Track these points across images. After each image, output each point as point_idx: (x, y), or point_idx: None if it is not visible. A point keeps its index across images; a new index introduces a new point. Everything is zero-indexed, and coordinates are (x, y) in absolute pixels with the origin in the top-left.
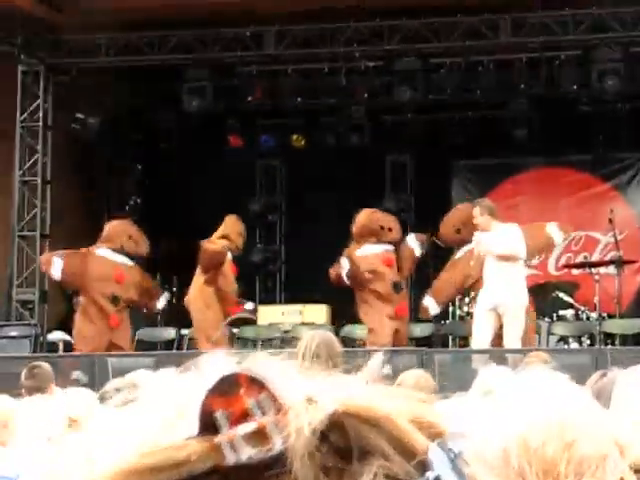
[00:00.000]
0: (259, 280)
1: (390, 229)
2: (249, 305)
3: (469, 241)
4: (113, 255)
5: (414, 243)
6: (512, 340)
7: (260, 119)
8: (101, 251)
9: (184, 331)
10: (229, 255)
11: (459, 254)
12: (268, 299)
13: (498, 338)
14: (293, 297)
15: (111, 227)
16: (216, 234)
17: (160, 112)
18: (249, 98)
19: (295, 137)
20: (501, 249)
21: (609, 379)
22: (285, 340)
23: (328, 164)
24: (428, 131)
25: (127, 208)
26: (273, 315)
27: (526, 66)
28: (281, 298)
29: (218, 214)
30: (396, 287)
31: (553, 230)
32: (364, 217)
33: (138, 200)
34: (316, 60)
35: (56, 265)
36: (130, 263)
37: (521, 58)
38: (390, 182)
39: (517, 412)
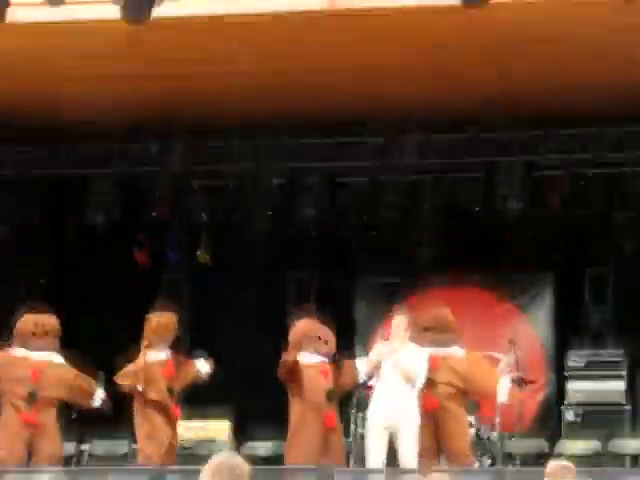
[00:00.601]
0: None
1: (326, 342)
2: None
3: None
4: (26, 352)
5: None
6: (408, 459)
7: (165, 234)
8: (16, 351)
9: (84, 446)
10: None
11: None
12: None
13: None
14: (195, 413)
15: (18, 325)
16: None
17: (63, 225)
18: (153, 213)
19: (200, 252)
20: (405, 366)
21: None
22: (186, 457)
23: (233, 279)
24: (332, 248)
25: None
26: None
27: (431, 186)
28: (183, 413)
29: (120, 327)
30: (329, 395)
31: (503, 388)
32: (303, 325)
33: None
34: (222, 177)
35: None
36: (55, 359)
37: (424, 179)
38: (292, 298)
39: None
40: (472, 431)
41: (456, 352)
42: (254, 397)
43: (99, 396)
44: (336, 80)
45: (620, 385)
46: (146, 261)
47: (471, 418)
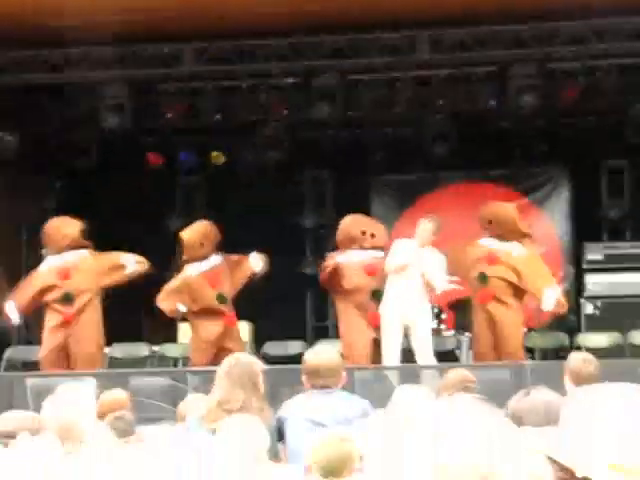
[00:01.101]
0: None
1: (373, 235)
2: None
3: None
4: (47, 261)
5: None
6: (424, 355)
7: (179, 136)
8: (41, 266)
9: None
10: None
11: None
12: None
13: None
14: None
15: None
16: None
17: (79, 129)
18: (168, 115)
19: (214, 154)
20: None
21: (532, 398)
22: None
23: (248, 180)
24: (347, 147)
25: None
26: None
27: (444, 82)
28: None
29: (138, 231)
30: (375, 295)
31: (548, 297)
32: (345, 223)
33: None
34: (235, 77)
35: (11, 311)
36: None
37: (439, 74)
38: (309, 198)
39: (434, 444)
40: None
41: (514, 249)
42: (274, 300)
43: (131, 262)
44: None
45: (638, 277)
46: (159, 162)
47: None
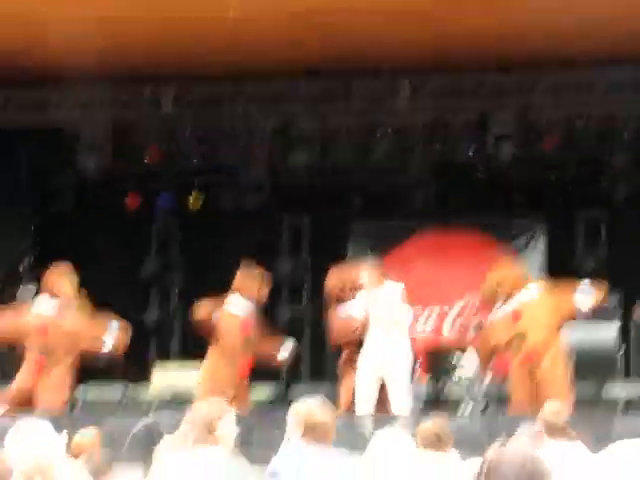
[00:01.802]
0: (155, 340)
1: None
2: None
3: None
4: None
5: None
6: (400, 406)
7: (157, 180)
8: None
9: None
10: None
11: (497, 315)
12: (164, 359)
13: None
14: (190, 356)
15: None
16: None
17: (54, 172)
18: (145, 160)
19: (192, 197)
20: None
21: (507, 453)
22: (181, 403)
23: (225, 224)
24: (325, 193)
25: (21, 268)
26: (169, 376)
27: (423, 130)
28: (177, 359)
29: (113, 275)
30: None
31: (580, 298)
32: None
33: (32, 259)
34: (214, 121)
35: None
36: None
37: (418, 122)
38: (286, 243)
39: None
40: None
41: (526, 295)
42: None
43: (109, 339)
44: (326, 23)
45: (613, 331)
46: (137, 204)
47: (464, 358)
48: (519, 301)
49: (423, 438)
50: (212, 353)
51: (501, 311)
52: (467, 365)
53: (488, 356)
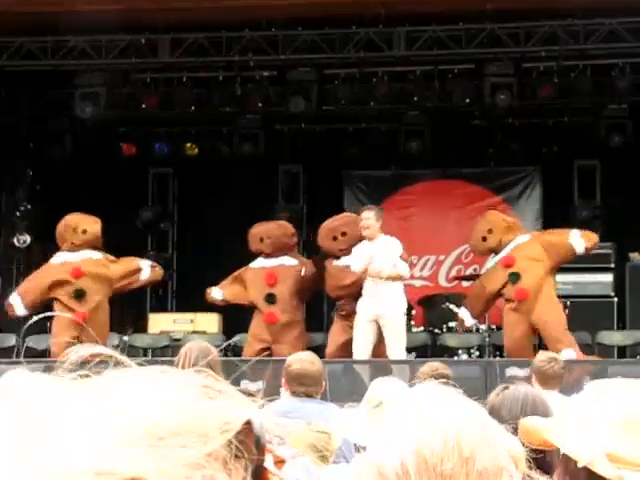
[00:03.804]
0: (150, 288)
1: (344, 233)
2: None
3: (498, 250)
4: (66, 256)
5: None
6: (396, 350)
7: (154, 127)
8: (53, 259)
9: None
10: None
11: (490, 264)
12: (159, 307)
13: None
14: (184, 305)
15: (58, 229)
16: None
17: (53, 118)
18: (143, 105)
19: (188, 145)
20: (387, 272)
21: (510, 393)
22: (176, 349)
23: (221, 172)
24: (321, 141)
25: (18, 214)
26: (164, 323)
27: (420, 79)
28: (172, 306)
29: (109, 222)
30: None
31: (575, 239)
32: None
33: (29, 206)
34: (211, 69)
35: (17, 305)
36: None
37: (415, 71)
38: (282, 191)
39: (414, 427)
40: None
41: (522, 239)
42: None
43: (146, 268)
44: None
45: (608, 277)
46: (133, 152)
47: (459, 311)
48: (511, 248)
49: (424, 377)
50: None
51: (494, 259)
52: (462, 313)
53: (484, 304)
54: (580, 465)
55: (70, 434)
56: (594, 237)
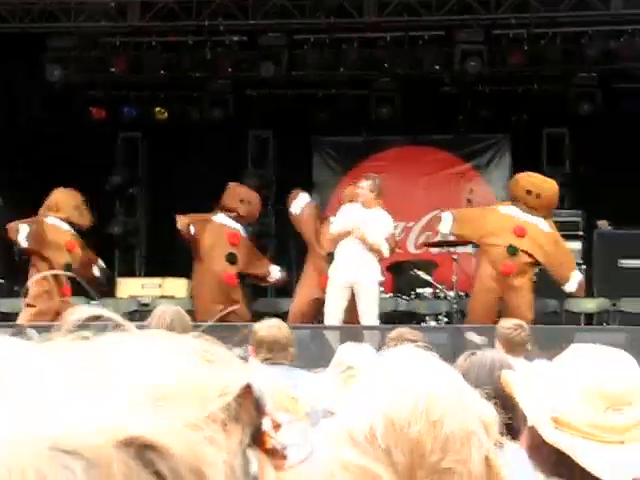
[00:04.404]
0: (119, 252)
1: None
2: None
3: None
4: (61, 224)
5: None
6: (369, 317)
7: (123, 91)
8: (51, 219)
9: None
10: (61, 226)
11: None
12: (128, 272)
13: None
14: (153, 270)
15: (59, 196)
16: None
17: (22, 81)
18: (112, 69)
19: (158, 109)
20: (371, 239)
21: (477, 359)
22: (144, 313)
23: (190, 137)
24: (291, 107)
25: None
26: (132, 288)
27: (390, 45)
28: (141, 271)
29: (78, 186)
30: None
31: (574, 280)
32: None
33: None
34: (181, 33)
35: (22, 232)
36: (73, 232)
37: (385, 37)
38: (252, 157)
39: (383, 390)
40: (429, 290)
41: (540, 223)
42: None
43: (98, 267)
44: None
45: (577, 245)
46: (102, 116)
47: (428, 277)
48: (531, 222)
49: (393, 343)
50: (196, 270)
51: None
52: (432, 280)
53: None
54: (528, 425)
55: (71, 397)
56: (583, 291)
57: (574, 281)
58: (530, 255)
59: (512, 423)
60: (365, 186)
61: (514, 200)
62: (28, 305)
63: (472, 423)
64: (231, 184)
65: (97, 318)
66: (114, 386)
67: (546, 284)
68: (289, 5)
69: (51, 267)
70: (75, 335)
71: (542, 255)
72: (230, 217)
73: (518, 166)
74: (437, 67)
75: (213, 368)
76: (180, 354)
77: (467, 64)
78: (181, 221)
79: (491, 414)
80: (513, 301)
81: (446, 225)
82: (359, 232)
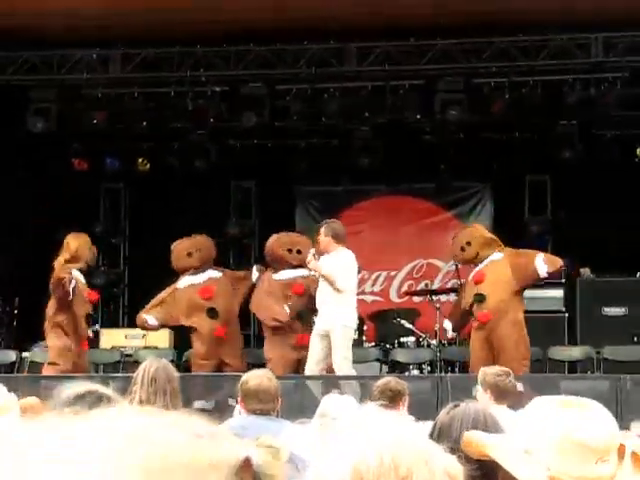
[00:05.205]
0: (102, 303)
1: (299, 251)
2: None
3: (476, 262)
4: (80, 275)
5: None
6: (337, 363)
7: (105, 142)
8: (75, 272)
9: (25, 354)
10: (80, 277)
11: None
12: (111, 322)
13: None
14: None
15: (78, 244)
16: (62, 257)
17: (4, 133)
18: (94, 121)
19: (140, 161)
20: (325, 270)
21: (460, 410)
22: (127, 364)
23: (173, 188)
24: (273, 157)
25: None
26: (116, 339)
27: (371, 94)
28: (124, 322)
29: (61, 237)
30: (300, 316)
31: (540, 263)
32: (270, 242)
33: None
34: (163, 84)
35: (72, 283)
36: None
37: (366, 86)
38: (234, 207)
39: (354, 444)
40: (412, 339)
41: (496, 257)
42: None
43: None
44: None
45: (559, 293)
46: (85, 167)
47: (411, 326)
48: (485, 263)
49: (378, 394)
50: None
51: (471, 274)
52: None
53: (461, 318)
54: None
55: (67, 472)
56: (558, 261)
57: (540, 263)
58: (500, 282)
59: (482, 475)
60: (321, 232)
61: (463, 263)
62: (50, 364)
63: (439, 476)
64: (172, 246)
65: (91, 393)
66: (109, 463)
67: (529, 332)
68: (270, 55)
69: (74, 319)
70: (70, 410)
71: (508, 276)
72: (193, 273)
73: (500, 214)
74: (418, 116)
75: (205, 443)
76: (174, 431)
77: (448, 113)
78: (141, 320)
79: (457, 467)
80: (500, 344)
81: (450, 330)
82: (314, 265)
